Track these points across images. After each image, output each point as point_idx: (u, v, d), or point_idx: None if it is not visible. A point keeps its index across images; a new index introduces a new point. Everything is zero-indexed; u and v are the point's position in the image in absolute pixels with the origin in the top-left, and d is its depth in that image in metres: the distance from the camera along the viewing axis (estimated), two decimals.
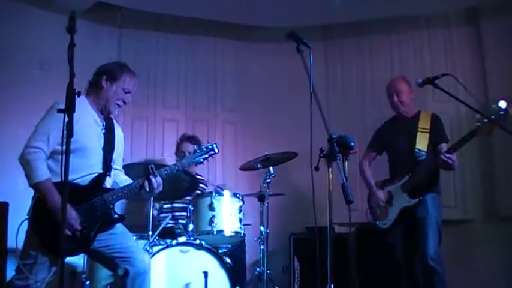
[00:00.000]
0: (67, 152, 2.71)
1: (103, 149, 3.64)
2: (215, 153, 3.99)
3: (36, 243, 3.37)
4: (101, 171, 3.60)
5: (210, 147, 3.96)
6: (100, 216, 3.51)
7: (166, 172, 3.71)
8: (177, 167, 3.80)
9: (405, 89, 5.05)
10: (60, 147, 3.35)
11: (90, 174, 3.54)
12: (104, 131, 3.70)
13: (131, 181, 3.75)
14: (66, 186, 2.70)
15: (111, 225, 3.59)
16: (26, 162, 3.36)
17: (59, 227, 3.11)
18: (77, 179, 3.46)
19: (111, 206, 3.59)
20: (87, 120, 3.58)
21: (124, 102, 3.77)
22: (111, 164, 3.73)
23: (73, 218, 3.36)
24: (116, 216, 3.62)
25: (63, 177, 2.71)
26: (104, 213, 3.53)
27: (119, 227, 3.66)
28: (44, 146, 3.38)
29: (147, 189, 3.61)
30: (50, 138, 3.40)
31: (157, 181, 3.63)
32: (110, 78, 3.71)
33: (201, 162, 3.99)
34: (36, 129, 3.45)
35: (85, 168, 3.51)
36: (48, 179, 3.37)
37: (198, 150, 3.93)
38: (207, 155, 3.95)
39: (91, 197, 3.50)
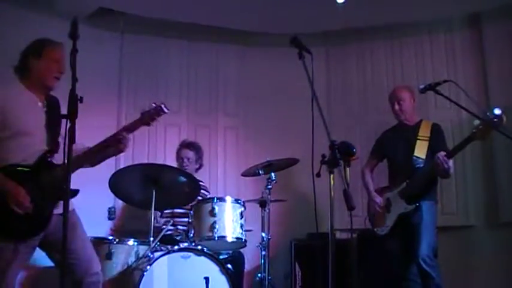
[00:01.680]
0: (69, 159, 2.71)
1: (46, 126, 3.57)
2: (163, 112, 3.88)
3: None
4: (46, 148, 3.54)
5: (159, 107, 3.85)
6: (51, 192, 3.42)
7: None
8: None
9: (407, 97, 5.07)
10: (3, 134, 3.42)
11: (34, 154, 3.48)
12: (45, 108, 3.63)
13: (82, 145, 3.70)
14: (67, 193, 2.70)
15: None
16: None
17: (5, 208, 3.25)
18: (22, 160, 3.43)
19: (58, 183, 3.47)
20: (24, 102, 3.54)
21: (60, 72, 3.67)
22: (58, 139, 3.64)
23: (21, 195, 3.31)
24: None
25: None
26: (55, 189, 3.43)
27: (78, 227, 3.62)
28: None
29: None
30: None
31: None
32: (35, 56, 3.66)
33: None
34: None
35: (29, 149, 3.46)
36: None
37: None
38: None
39: (38, 174, 3.44)
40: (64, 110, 2.81)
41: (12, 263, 3.32)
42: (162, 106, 3.84)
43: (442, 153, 4.60)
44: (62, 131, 3.63)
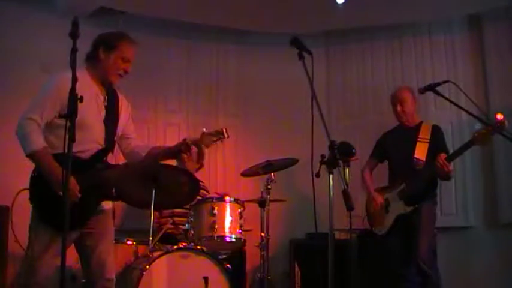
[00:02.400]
0: (69, 154, 2.72)
1: (104, 121, 3.56)
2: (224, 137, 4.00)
3: (36, 217, 3.36)
4: (103, 145, 3.54)
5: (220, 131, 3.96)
6: (99, 191, 3.45)
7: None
8: None
9: (409, 98, 5.08)
10: (60, 121, 3.29)
11: (91, 148, 3.47)
12: (105, 103, 3.61)
13: (146, 147, 3.82)
14: (67, 184, 2.70)
15: (111, 199, 3.61)
16: (21, 134, 3.33)
17: (56, 198, 3.20)
18: (77, 152, 3.35)
19: (110, 183, 3.53)
20: (87, 93, 3.39)
21: (125, 72, 3.68)
22: (114, 138, 3.67)
23: (71, 183, 3.25)
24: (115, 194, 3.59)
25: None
26: (103, 189, 3.47)
27: (110, 230, 3.65)
28: (38, 118, 3.34)
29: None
30: (45, 111, 3.36)
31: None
32: (106, 48, 3.60)
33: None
34: (32, 102, 3.43)
35: (86, 142, 3.42)
36: (45, 147, 3.33)
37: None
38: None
39: (91, 170, 3.44)
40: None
41: (48, 250, 3.30)
42: (224, 131, 3.96)
43: (443, 155, 4.61)
44: (119, 130, 3.74)
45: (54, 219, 3.21)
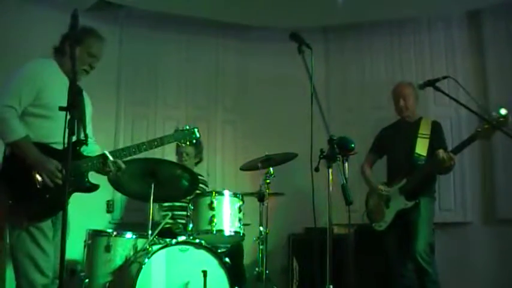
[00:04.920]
0: (69, 148, 2.76)
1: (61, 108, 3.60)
2: (196, 138, 4.15)
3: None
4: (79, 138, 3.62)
5: (192, 131, 4.12)
6: (72, 181, 3.50)
7: (124, 153, 3.76)
8: (143, 147, 3.88)
9: (411, 93, 5.09)
10: (32, 110, 3.44)
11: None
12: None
13: (98, 151, 3.79)
14: (66, 184, 2.71)
15: (83, 191, 3.63)
16: (1, 121, 3.36)
17: (34, 183, 3.35)
18: (53, 143, 3.47)
19: (85, 174, 3.62)
20: (58, 83, 3.53)
21: (91, 67, 3.75)
22: (87, 131, 3.73)
23: (55, 165, 3.40)
24: (88, 184, 3.66)
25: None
26: (76, 179, 3.54)
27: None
28: (16, 105, 3.39)
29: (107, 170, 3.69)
30: (22, 99, 3.41)
31: (113, 163, 3.67)
32: (73, 42, 3.51)
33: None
34: (7, 88, 3.46)
35: (57, 132, 3.33)
36: (27, 136, 3.39)
37: (176, 133, 4.12)
38: (185, 139, 4.12)
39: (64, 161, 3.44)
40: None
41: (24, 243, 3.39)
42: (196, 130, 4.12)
43: (441, 150, 4.62)
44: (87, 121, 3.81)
45: (26, 207, 3.34)
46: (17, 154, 3.40)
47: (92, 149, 3.81)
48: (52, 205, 3.42)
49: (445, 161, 4.60)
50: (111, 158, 3.65)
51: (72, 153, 3.32)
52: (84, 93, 3.89)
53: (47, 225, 3.48)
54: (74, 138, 3.44)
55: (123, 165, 3.74)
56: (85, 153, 3.68)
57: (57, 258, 3.51)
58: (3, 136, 3.38)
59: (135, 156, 3.94)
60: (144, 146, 3.86)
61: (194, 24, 6.66)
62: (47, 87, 3.50)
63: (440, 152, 4.61)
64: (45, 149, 3.46)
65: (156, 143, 3.94)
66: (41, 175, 3.38)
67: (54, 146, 3.47)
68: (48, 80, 3.53)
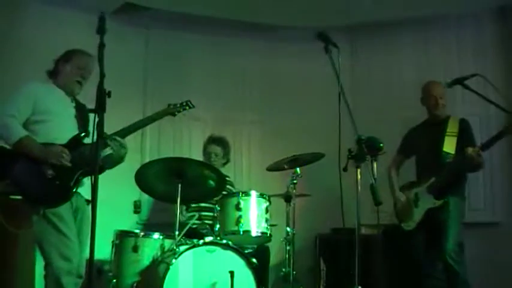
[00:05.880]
0: (97, 153, 2.75)
1: (76, 117, 4.01)
2: (189, 107, 4.67)
3: None
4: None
5: (184, 103, 4.63)
6: (80, 164, 3.76)
7: (123, 132, 4.06)
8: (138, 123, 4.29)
9: (444, 92, 5.03)
10: (33, 118, 3.81)
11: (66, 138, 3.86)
12: (74, 104, 4.07)
13: None
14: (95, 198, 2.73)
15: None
16: (3, 126, 3.72)
17: (44, 175, 3.65)
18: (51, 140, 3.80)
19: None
20: (54, 95, 3.99)
21: (82, 77, 4.07)
22: (89, 129, 3.97)
23: (64, 152, 3.73)
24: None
25: None
26: (83, 163, 3.76)
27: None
28: (16, 114, 3.76)
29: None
30: (20, 110, 3.78)
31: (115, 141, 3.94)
32: (64, 61, 4.09)
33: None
34: (8, 104, 3.84)
35: (58, 131, 3.86)
36: (29, 135, 3.72)
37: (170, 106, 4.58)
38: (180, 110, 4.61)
39: (70, 150, 3.78)
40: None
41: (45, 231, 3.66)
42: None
43: (470, 148, 4.56)
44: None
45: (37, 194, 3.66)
46: (22, 153, 3.68)
47: None
48: (63, 190, 3.72)
49: (473, 158, 4.53)
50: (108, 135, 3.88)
51: (75, 143, 3.82)
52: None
53: (65, 211, 3.72)
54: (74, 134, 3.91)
55: (122, 140, 3.99)
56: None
57: (81, 255, 3.74)
58: (7, 139, 3.72)
59: (161, 156, 4.06)
60: (142, 122, 4.36)
61: (219, 25, 6.67)
62: (42, 97, 3.89)
63: (469, 149, 4.55)
64: (49, 145, 3.77)
65: (152, 118, 4.44)
66: (48, 163, 3.68)
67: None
68: (43, 92, 3.94)
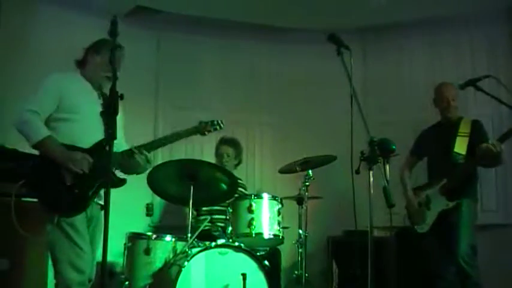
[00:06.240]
0: (110, 155, 2.75)
1: (101, 115, 3.62)
2: (220, 127, 4.26)
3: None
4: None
5: (216, 123, 4.22)
6: (100, 174, 3.56)
7: (150, 146, 3.84)
8: (165, 139, 3.97)
9: (457, 94, 5.00)
10: (56, 115, 3.59)
11: (88, 139, 3.63)
12: (101, 101, 3.77)
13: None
14: (108, 192, 2.73)
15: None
16: (25, 123, 3.50)
17: (62, 180, 3.47)
18: (73, 143, 3.60)
19: (112, 169, 3.64)
20: (79, 88, 3.75)
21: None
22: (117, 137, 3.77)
23: (81, 155, 3.52)
24: (115, 179, 3.67)
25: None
26: (103, 173, 3.54)
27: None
28: (39, 110, 3.53)
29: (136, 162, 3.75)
30: (43, 106, 3.57)
31: (141, 154, 3.74)
32: (93, 52, 3.84)
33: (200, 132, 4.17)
34: (31, 97, 3.61)
35: (81, 133, 3.63)
36: (51, 136, 3.51)
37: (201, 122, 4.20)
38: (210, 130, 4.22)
39: (93, 156, 3.58)
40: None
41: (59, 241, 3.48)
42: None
43: (485, 144, 4.50)
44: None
45: (55, 202, 3.48)
46: (43, 154, 3.54)
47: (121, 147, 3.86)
48: (81, 199, 3.53)
49: (491, 150, 4.45)
50: (136, 150, 3.73)
51: (99, 150, 3.55)
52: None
53: (80, 221, 3.56)
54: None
55: (149, 155, 3.81)
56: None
57: (93, 262, 3.64)
58: (28, 138, 3.51)
59: (173, 158, 3.99)
60: (170, 138, 3.99)
61: (230, 27, 6.68)
62: (68, 93, 3.66)
63: (483, 144, 4.50)
64: (72, 148, 3.57)
65: (180, 135, 4.04)
66: (68, 168, 3.48)
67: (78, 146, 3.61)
68: (69, 86, 3.70)
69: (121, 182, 3.69)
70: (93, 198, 3.58)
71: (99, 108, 3.64)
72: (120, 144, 3.81)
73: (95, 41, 3.89)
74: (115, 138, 2.81)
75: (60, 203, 3.50)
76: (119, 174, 3.78)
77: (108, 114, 3.55)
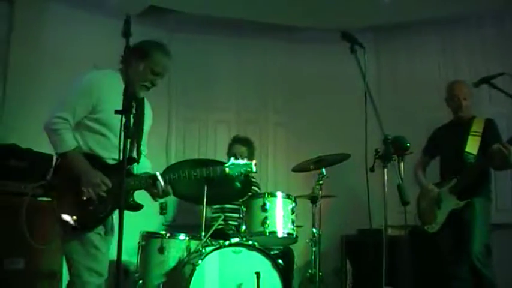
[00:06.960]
0: (123, 155, 2.74)
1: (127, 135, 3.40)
2: (251, 171, 3.84)
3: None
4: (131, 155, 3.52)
5: (248, 164, 3.81)
6: (117, 198, 3.35)
7: (174, 177, 3.63)
8: (193, 174, 3.71)
9: (469, 92, 4.96)
10: (88, 122, 3.41)
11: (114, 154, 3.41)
12: (133, 112, 3.40)
13: (148, 168, 3.73)
14: (123, 187, 2.73)
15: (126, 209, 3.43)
16: (53, 132, 3.34)
17: (79, 194, 3.29)
18: (105, 158, 3.46)
19: (130, 192, 3.52)
20: (117, 98, 3.15)
21: (152, 84, 3.61)
22: (141, 149, 3.66)
23: (100, 178, 3.35)
24: (133, 203, 3.55)
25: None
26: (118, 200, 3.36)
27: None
28: (70, 118, 3.36)
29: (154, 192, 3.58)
30: (76, 111, 3.38)
31: (164, 188, 3.55)
32: (139, 56, 3.53)
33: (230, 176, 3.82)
34: (63, 100, 3.43)
35: (109, 147, 3.44)
36: (76, 147, 3.38)
37: (233, 165, 3.80)
38: (241, 172, 3.80)
39: (114, 176, 3.37)
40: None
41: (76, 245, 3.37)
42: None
43: (496, 145, 4.46)
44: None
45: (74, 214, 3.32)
46: (65, 164, 3.40)
47: (143, 164, 3.74)
48: (94, 218, 3.40)
49: (502, 151, 4.41)
50: (162, 181, 3.53)
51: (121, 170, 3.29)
52: (147, 105, 3.79)
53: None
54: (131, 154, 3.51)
55: (171, 191, 3.67)
56: (134, 172, 3.62)
57: (108, 256, 3.54)
58: (54, 146, 3.39)
59: (186, 157, 3.92)
60: (195, 174, 3.72)
61: (243, 26, 6.69)
62: (104, 102, 3.41)
63: (494, 146, 4.46)
64: (96, 161, 3.43)
65: (209, 172, 3.78)
66: (85, 187, 3.33)
67: (106, 161, 3.47)
68: (106, 94, 3.42)
69: (138, 207, 3.57)
70: (104, 220, 3.46)
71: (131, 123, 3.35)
72: (143, 155, 3.75)
73: (142, 42, 3.60)
74: (129, 137, 2.78)
75: (73, 214, 3.35)
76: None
77: (135, 136, 3.56)
